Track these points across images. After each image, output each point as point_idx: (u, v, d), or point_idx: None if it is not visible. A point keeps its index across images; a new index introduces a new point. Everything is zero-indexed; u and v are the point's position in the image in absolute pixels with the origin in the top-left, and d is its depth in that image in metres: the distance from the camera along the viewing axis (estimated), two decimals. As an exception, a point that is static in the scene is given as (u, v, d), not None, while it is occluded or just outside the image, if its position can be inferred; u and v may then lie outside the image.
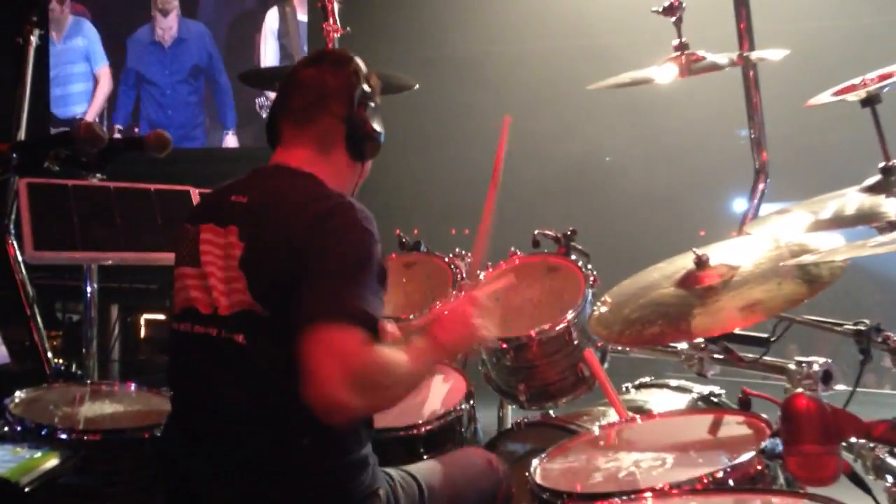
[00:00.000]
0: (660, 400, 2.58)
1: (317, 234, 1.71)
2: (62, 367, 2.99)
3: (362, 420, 1.83)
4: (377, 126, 1.96)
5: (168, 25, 6.57)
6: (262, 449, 1.75)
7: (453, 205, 6.06)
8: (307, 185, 1.84)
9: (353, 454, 1.80)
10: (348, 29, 3.35)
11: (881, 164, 2.02)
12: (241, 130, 6.59)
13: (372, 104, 1.96)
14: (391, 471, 1.95)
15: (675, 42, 2.67)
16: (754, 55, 2.73)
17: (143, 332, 5.33)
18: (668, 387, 2.68)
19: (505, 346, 2.49)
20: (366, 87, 1.96)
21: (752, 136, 3.06)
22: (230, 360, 1.77)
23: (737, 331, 2.22)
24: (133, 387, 2.62)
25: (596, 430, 2.13)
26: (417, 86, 3.22)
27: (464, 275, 2.92)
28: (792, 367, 2.08)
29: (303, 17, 6.38)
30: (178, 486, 1.83)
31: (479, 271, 2.56)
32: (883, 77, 2.06)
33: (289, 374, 1.65)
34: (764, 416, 1.87)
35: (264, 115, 6.29)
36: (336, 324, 1.61)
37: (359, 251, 1.72)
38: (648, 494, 1.62)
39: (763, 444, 1.68)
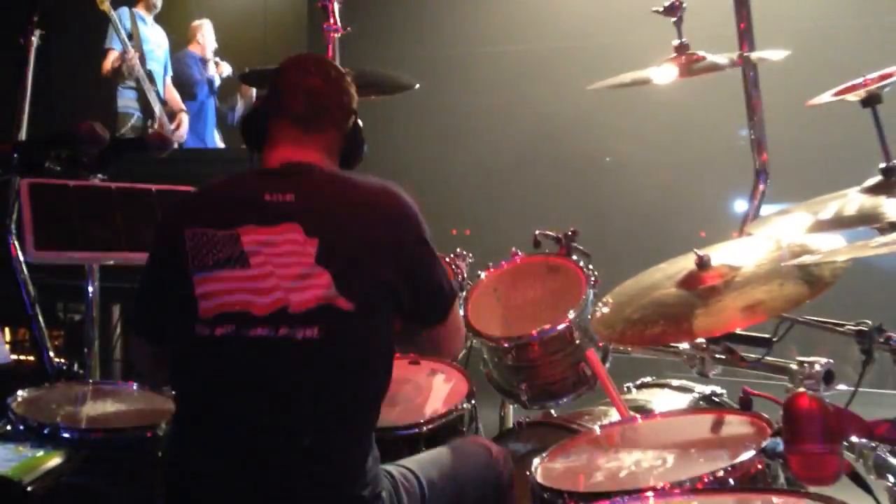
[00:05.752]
0: (661, 400, 2.59)
1: (419, 242, 1.91)
2: (64, 367, 2.99)
3: (372, 418, 1.89)
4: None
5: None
6: (321, 446, 1.75)
7: (454, 205, 6.06)
8: (357, 183, 1.91)
9: (373, 451, 1.85)
10: (349, 29, 3.35)
11: (882, 165, 2.02)
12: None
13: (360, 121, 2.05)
14: (390, 468, 1.95)
15: (676, 42, 2.67)
16: (754, 55, 2.73)
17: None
18: (669, 386, 2.69)
19: (507, 345, 2.49)
20: (356, 102, 2.03)
21: (753, 136, 3.06)
22: (298, 358, 1.75)
23: (738, 331, 2.22)
24: (135, 386, 2.62)
25: (597, 430, 2.13)
26: (418, 85, 3.21)
27: (464, 275, 2.92)
28: (794, 367, 2.09)
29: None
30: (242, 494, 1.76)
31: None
32: (884, 77, 2.06)
33: (360, 369, 1.78)
34: (765, 415, 1.88)
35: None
36: (454, 306, 2.02)
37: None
38: (650, 494, 1.62)
39: (764, 444, 1.69)
